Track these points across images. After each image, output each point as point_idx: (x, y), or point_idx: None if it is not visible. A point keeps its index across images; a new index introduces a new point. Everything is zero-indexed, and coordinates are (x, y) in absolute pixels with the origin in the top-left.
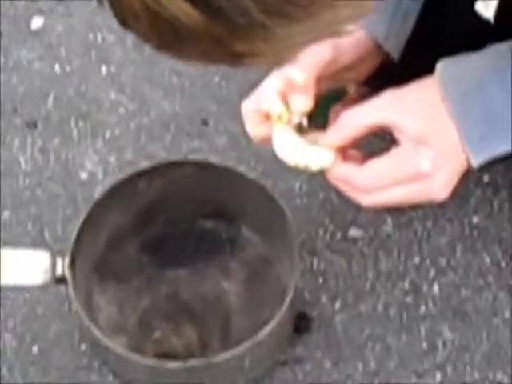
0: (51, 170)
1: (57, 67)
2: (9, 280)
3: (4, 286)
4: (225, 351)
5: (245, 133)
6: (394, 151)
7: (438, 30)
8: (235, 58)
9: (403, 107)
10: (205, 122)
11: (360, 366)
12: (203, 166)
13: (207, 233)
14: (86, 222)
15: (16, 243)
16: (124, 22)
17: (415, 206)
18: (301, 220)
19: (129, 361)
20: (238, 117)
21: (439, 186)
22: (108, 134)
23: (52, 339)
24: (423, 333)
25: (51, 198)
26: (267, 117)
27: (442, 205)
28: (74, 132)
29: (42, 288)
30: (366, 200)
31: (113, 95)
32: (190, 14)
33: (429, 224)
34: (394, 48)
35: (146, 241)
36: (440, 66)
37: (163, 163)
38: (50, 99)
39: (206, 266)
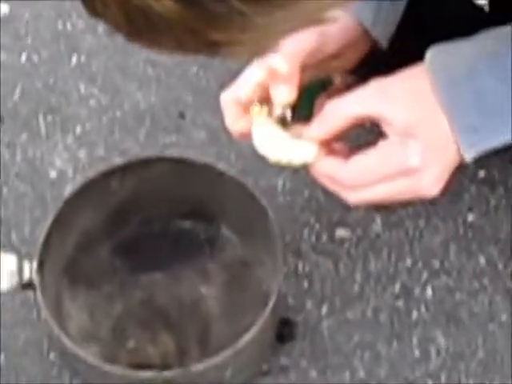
0: (18, 168)
1: (23, 57)
2: None
3: None
4: (204, 360)
5: (224, 127)
6: (381, 144)
7: (428, 16)
8: (212, 48)
9: (390, 97)
10: (182, 115)
11: (348, 375)
12: (180, 163)
13: (184, 233)
14: (55, 223)
15: None
16: (92, 10)
17: (405, 204)
18: (284, 220)
19: (101, 371)
20: (217, 109)
21: (429, 182)
22: (78, 129)
23: (19, 348)
24: (415, 339)
25: (18, 198)
26: (247, 109)
27: (434, 202)
28: (43, 127)
29: (8, 293)
30: (352, 197)
31: (83, 87)
32: (162, 1)
33: (421, 223)
34: (383, 35)
35: (118, 243)
36: (429, 53)
37: (137, 160)
38: (17, 92)
39: (184, 269)
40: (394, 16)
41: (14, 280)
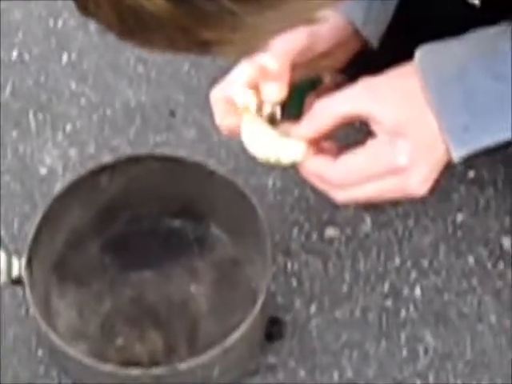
0: (8, 165)
1: (14, 55)
2: None
3: None
4: (192, 358)
5: (215, 125)
6: (370, 144)
7: (419, 15)
8: (203, 47)
9: (379, 96)
10: (172, 114)
11: (336, 374)
12: (170, 161)
13: (174, 232)
14: (45, 220)
15: None
16: (84, 9)
17: (394, 203)
18: (274, 219)
19: (89, 368)
20: (207, 108)
21: (417, 181)
22: (69, 127)
23: (7, 345)
24: (403, 339)
25: (8, 195)
26: (236, 107)
27: (423, 202)
28: (33, 124)
29: None
30: (341, 196)
31: (74, 85)
32: (153, 0)
33: (410, 223)
34: (373, 34)
35: (108, 240)
36: (419, 52)
37: (127, 158)
38: (8, 89)
39: (173, 267)
40: (385, 15)
41: (3, 276)
